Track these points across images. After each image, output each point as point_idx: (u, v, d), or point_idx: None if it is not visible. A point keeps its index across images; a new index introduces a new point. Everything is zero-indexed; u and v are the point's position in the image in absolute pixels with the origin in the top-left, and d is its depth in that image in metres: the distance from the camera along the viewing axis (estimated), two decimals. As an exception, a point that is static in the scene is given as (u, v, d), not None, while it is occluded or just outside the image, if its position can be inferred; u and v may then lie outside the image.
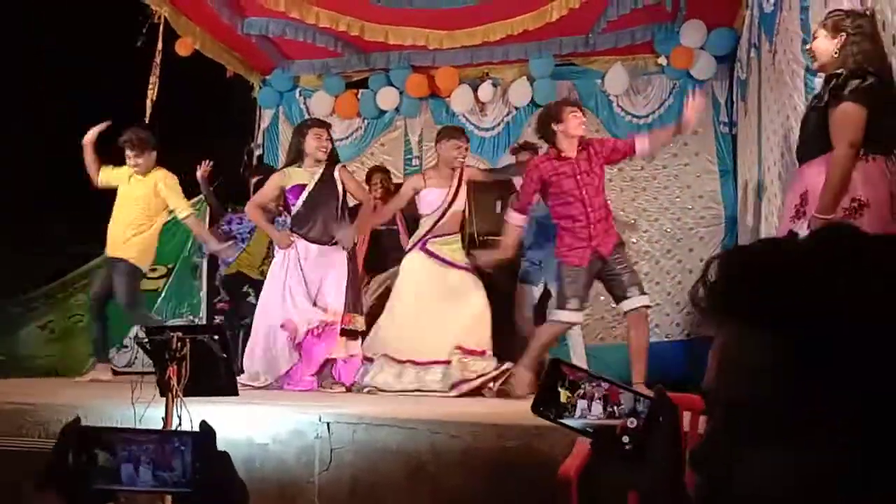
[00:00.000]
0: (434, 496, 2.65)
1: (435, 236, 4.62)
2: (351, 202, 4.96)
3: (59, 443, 0.76)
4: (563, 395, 0.77)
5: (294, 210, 4.71)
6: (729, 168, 6.02)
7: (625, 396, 0.76)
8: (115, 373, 5.40)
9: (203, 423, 0.77)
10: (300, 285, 4.59)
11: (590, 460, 2.08)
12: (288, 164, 4.80)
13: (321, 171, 4.68)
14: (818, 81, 3.23)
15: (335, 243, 4.64)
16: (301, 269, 4.61)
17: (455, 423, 2.79)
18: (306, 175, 4.69)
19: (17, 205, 5.78)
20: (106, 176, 4.97)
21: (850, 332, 0.48)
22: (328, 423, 2.82)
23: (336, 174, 4.72)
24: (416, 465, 2.69)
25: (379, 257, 5.35)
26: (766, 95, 4.53)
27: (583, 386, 0.77)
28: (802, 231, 2.58)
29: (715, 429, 0.54)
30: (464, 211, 4.77)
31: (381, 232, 5.39)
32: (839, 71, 2.53)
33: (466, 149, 4.79)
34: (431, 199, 4.65)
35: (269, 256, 5.39)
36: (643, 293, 4.06)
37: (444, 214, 4.63)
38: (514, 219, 4.35)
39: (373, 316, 4.87)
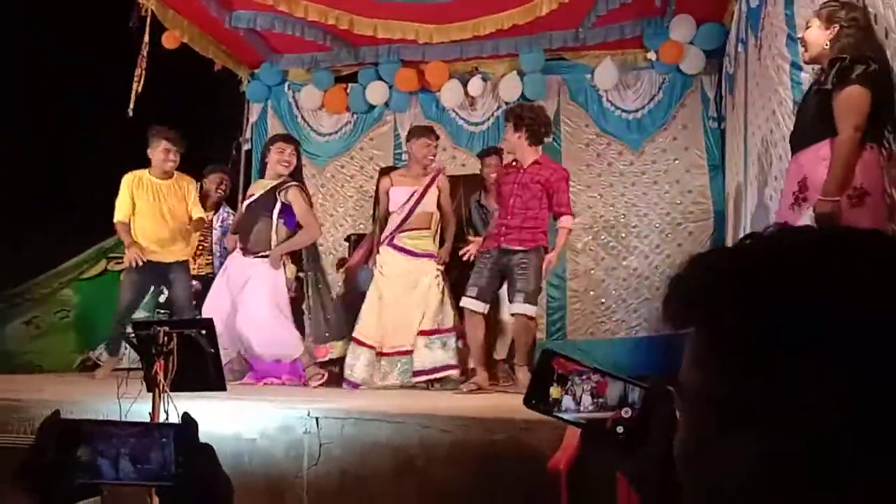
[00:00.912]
0: (423, 490, 2.65)
1: (403, 231, 4.73)
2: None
3: (38, 438, 0.74)
4: (556, 387, 0.76)
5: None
6: (718, 163, 6.04)
7: (618, 386, 0.75)
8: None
9: (185, 415, 0.75)
10: (226, 286, 4.69)
11: (580, 452, 2.08)
12: (261, 176, 4.97)
13: (272, 185, 4.72)
14: (804, 76, 3.23)
15: (264, 256, 4.64)
16: (227, 272, 4.76)
17: (444, 418, 2.78)
18: (260, 186, 4.82)
19: (17, 205, 5.74)
20: (127, 196, 4.90)
21: (833, 319, 0.47)
22: (317, 418, 2.82)
23: (282, 193, 4.66)
24: (404, 460, 2.69)
25: None
26: (751, 90, 4.54)
27: (575, 377, 0.76)
28: (802, 219, 2.55)
29: (689, 422, 0.55)
30: (434, 213, 4.82)
31: None
32: (843, 56, 2.50)
33: (436, 146, 4.92)
34: (398, 197, 4.76)
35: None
36: (529, 303, 4.13)
37: (410, 213, 4.72)
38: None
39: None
